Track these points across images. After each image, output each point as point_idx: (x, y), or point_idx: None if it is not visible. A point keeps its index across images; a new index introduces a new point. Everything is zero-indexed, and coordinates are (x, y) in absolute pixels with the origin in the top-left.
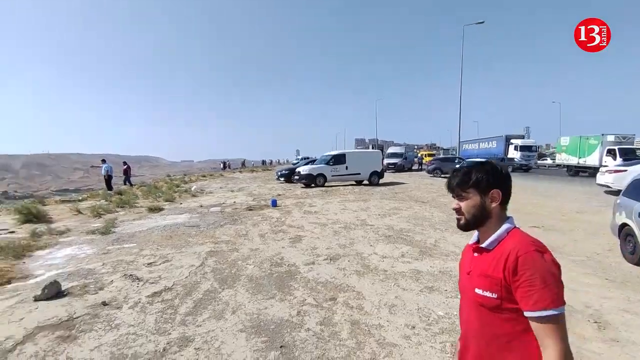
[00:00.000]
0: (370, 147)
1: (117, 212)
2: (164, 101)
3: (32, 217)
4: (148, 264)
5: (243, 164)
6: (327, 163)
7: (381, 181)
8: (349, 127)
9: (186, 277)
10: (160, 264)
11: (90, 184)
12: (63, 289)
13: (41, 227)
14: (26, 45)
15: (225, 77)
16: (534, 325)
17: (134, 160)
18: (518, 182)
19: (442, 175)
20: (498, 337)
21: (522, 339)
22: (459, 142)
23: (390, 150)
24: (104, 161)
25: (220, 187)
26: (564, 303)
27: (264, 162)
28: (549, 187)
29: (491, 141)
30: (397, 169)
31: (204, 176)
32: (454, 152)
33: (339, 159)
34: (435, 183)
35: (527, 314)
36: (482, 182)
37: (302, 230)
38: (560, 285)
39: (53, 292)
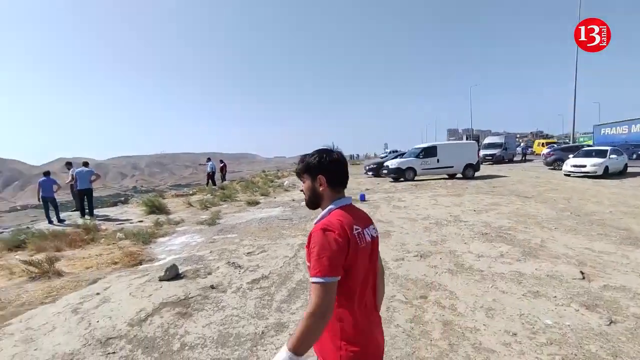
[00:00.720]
0: (464, 137)
1: (221, 205)
2: (258, 102)
3: (155, 208)
4: (248, 253)
5: None
6: (417, 156)
7: (477, 174)
8: (440, 117)
9: (281, 266)
10: (258, 254)
11: (198, 180)
12: (180, 272)
13: (162, 218)
14: (146, 62)
15: (312, 76)
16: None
17: (233, 157)
18: None
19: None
20: None
21: None
22: (594, 126)
23: (488, 140)
24: (209, 160)
25: None
26: (332, 274)
27: (351, 156)
28: None
29: None
30: (496, 160)
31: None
32: (567, 140)
33: (429, 152)
34: (543, 176)
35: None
36: (311, 169)
37: (391, 226)
38: (333, 259)
39: (173, 274)
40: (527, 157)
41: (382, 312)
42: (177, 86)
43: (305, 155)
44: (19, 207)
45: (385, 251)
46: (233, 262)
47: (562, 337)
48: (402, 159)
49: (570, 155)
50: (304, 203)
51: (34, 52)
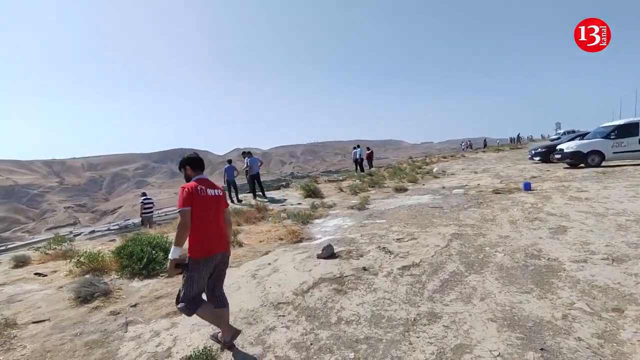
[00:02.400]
0: None
1: (369, 191)
2: (406, 87)
3: (311, 192)
4: (397, 240)
5: (517, 138)
6: (607, 136)
7: None
8: None
9: (432, 255)
10: (407, 241)
11: (346, 166)
12: (335, 251)
13: (317, 201)
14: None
15: (466, 52)
16: None
17: (379, 144)
18: None
19: None
20: None
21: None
22: None
23: None
24: (357, 147)
25: (462, 169)
26: (185, 206)
27: (511, 139)
28: None
29: None
30: None
31: (444, 157)
32: None
33: (627, 130)
34: None
35: None
36: (184, 163)
37: (567, 220)
38: (186, 199)
39: (329, 253)
40: None
41: (557, 319)
42: (327, 78)
43: (181, 158)
44: None
45: (560, 249)
46: (383, 247)
47: None
48: (582, 141)
49: None
50: (455, 191)
51: (211, 60)
